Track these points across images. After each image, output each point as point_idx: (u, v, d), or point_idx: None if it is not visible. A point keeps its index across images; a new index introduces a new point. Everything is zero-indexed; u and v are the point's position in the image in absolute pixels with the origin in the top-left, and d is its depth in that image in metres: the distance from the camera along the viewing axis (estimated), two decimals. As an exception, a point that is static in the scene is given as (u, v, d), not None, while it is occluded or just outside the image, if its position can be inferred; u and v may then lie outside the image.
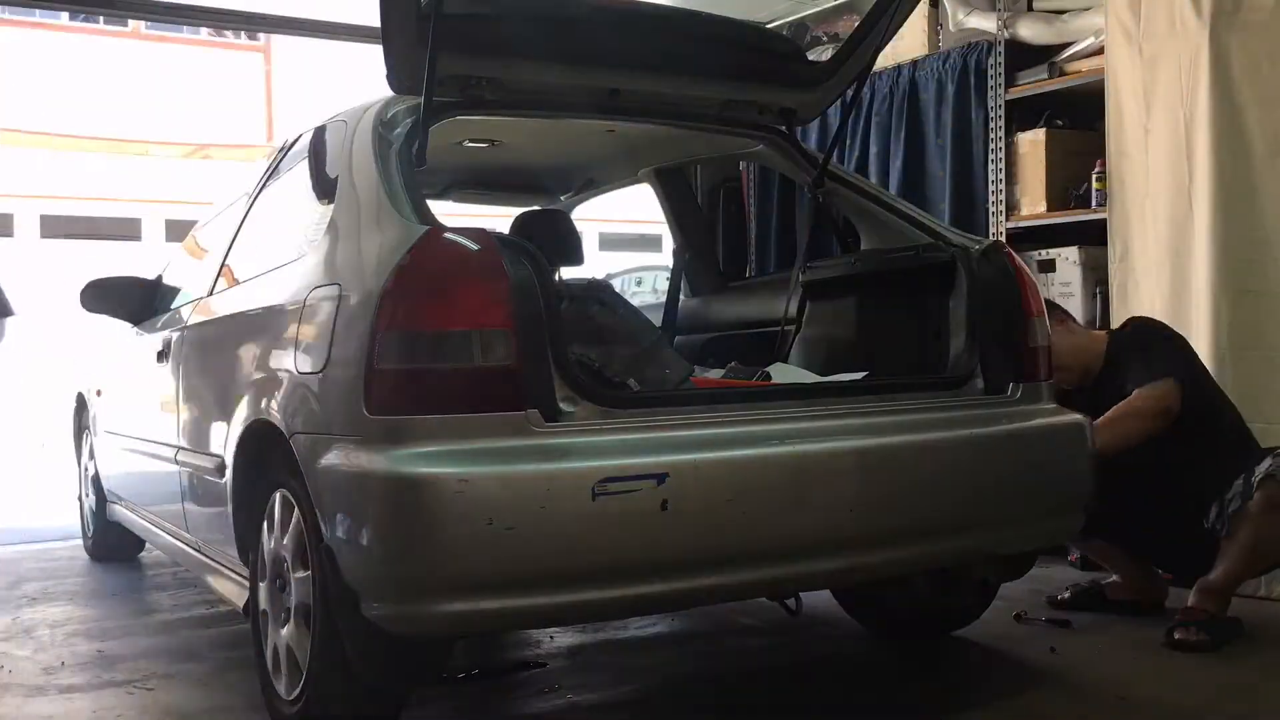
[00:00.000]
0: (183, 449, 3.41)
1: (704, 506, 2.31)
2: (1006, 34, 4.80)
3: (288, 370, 2.59)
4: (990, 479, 2.74)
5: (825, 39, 5.61)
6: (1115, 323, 4.24)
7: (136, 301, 4.27)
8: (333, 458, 2.29)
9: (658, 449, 2.32)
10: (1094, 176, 4.49)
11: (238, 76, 19.96)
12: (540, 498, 2.17)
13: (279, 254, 3.01)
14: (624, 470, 2.23)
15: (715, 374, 3.36)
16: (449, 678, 3.02)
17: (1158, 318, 3.90)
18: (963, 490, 2.68)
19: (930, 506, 2.61)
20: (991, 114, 4.83)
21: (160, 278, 4.40)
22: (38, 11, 16.56)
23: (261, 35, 18.96)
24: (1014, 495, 2.79)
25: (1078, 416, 2.96)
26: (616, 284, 11.19)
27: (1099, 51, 4.43)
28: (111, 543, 4.98)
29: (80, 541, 5.31)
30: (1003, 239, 4.59)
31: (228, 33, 19.38)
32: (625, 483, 2.21)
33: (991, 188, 4.84)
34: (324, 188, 2.95)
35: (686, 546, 2.30)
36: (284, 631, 2.58)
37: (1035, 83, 4.72)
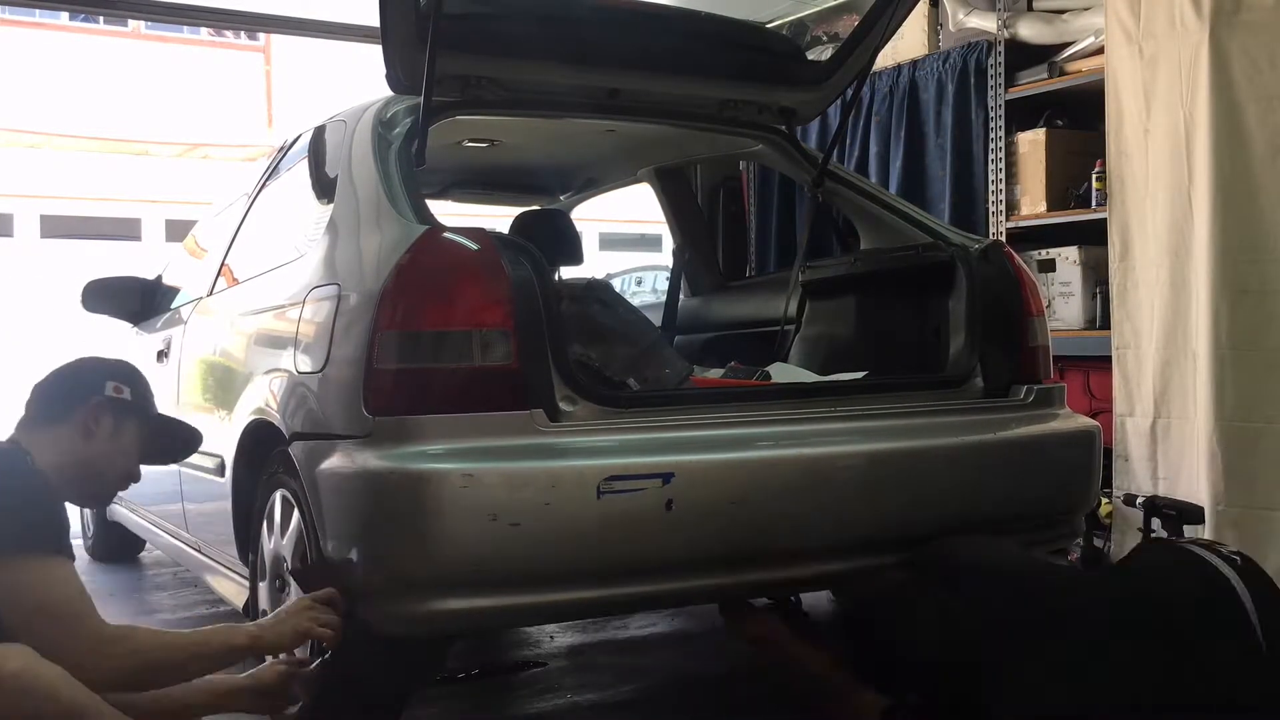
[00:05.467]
0: (183, 449, 3.40)
1: (708, 507, 2.31)
2: (1006, 34, 4.79)
3: (287, 370, 2.59)
4: (997, 484, 2.73)
5: (825, 39, 5.61)
6: (1115, 321, 4.24)
7: (136, 301, 4.27)
8: (332, 457, 2.29)
9: (662, 449, 2.33)
10: (1094, 176, 4.48)
11: (238, 76, 19.93)
12: (545, 495, 2.17)
13: (278, 254, 3.01)
14: (629, 469, 2.24)
15: (715, 373, 3.36)
16: (449, 678, 3.02)
17: (1157, 318, 3.87)
18: (967, 495, 2.67)
19: (933, 510, 2.60)
20: (991, 114, 4.83)
21: (160, 278, 4.40)
22: (38, 11, 16.55)
23: (261, 35, 18.94)
24: (1019, 500, 2.78)
25: (1090, 421, 2.95)
26: (616, 284, 11.19)
27: (1099, 51, 4.43)
28: (112, 543, 4.97)
29: (81, 542, 5.31)
30: (1003, 239, 4.59)
31: (228, 33, 19.36)
32: (630, 481, 2.22)
33: (991, 188, 4.83)
34: (323, 187, 2.95)
35: (689, 546, 2.30)
36: (284, 631, 2.58)
37: (1035, 82, 4.72)
